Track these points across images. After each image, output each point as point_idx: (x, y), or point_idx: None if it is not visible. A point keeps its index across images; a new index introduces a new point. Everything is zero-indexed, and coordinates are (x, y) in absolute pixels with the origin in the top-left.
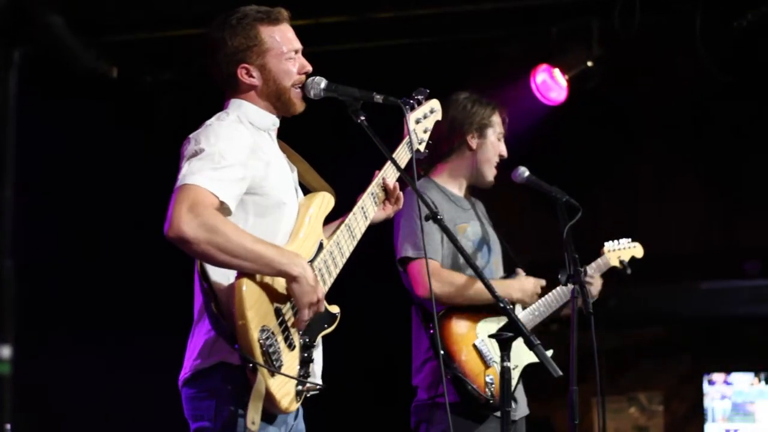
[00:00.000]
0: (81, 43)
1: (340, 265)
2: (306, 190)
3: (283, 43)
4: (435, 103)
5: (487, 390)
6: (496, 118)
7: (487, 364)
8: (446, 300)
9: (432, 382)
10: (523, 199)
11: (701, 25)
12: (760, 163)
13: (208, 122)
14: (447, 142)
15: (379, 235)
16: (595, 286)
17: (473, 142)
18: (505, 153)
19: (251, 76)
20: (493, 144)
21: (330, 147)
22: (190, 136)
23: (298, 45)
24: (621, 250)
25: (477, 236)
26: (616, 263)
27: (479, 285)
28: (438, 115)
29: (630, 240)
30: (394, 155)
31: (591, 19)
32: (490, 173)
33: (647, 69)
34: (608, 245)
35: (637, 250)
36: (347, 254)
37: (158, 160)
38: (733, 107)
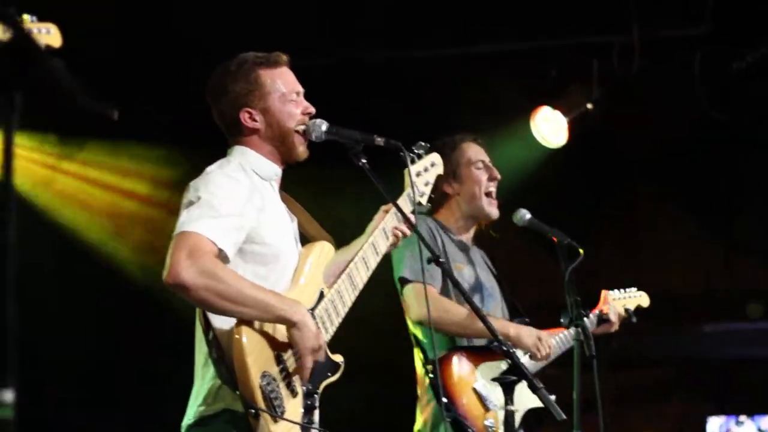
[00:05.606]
0: (81, 86)
1: (342, 314)
2: (307, 240)
3: (284, 86)
4: (435, 157)
5: None
6: (465, 153)
7: (486, 408)
8: (439, 325)
9: (433, 424)
10: (524, 241)
11: (700, 67)
12: (760, 203)
13: (208, 169)
14: (433, 193)
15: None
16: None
17: (450, 189)
18: (497, 175)
19: (254, 119)
20: (471, 178)
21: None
22: (190, 183)
23: (299, 87)
24: (627, 299)
25: (471, 279)
26: (620, 311)
27: (472, 317)
28: (439, 169)
29: (636, 289)
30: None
31: (590, 60)
32: (484, 206)
33: (647, 110)
34: (613, 294)
35: (642, 299)
36: (349, 303)
37: None
38: (732, 148)
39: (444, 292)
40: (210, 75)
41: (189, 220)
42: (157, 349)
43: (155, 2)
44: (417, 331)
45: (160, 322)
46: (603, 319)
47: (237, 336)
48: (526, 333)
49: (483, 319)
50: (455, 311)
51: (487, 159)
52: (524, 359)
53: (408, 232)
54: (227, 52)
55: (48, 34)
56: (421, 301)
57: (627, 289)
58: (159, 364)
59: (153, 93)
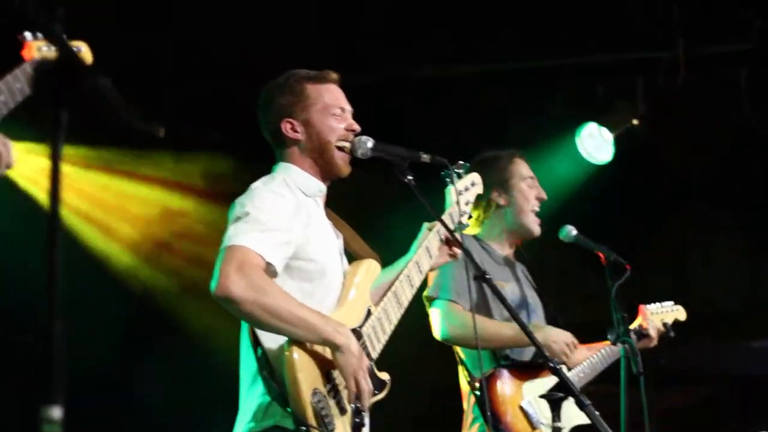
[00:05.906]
0: (128, 104)
1: (389, 332)
2: (352, 258)
3: (328, 100)
4: (476, 177)
5: None
6: (516, 167)
7: (533, 426)
8: (461, 341)
9: None
10: (570, 258)
11: (747, 82)
12: None
13: (254, 185)
14: (476, 206)
15: None
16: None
17: (500, 199)
18: (543, 195)
19: (295, 130)
20: (522, 192)
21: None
22: (237, 200)
23: (345, 105)
24: (664, 313)
25: (515, 295)
26: (659, 326)
27: (495, 328)
28: (479, 189)
29: (673, 303)
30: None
31: (636, 76)
32: (529, 222)
33: (693, 126)
34: (651, 308)
35: (680, 313)
36: (395, 321)
37: None
38: None
39: (485, 308)
40: (210, 76)
41: (236, 234)
42: (201, 368)
43: (155, 2)
44: (460, 350)
45: (203, 341)
46: (642, 334)
47: (288, 353)
48: (559, 338)
49: (530, 336)
50: (471, 324)
51: (535, 177)
52: (569, 375)
53: (458, 251)
54: (227, 53)
55: (79, 53)
56: (445, 319)
57: (663, 303)
58: (203, 383)
59: (152, 94)
